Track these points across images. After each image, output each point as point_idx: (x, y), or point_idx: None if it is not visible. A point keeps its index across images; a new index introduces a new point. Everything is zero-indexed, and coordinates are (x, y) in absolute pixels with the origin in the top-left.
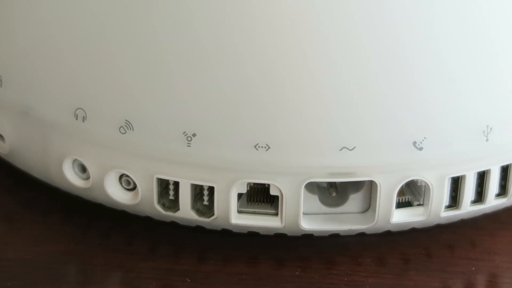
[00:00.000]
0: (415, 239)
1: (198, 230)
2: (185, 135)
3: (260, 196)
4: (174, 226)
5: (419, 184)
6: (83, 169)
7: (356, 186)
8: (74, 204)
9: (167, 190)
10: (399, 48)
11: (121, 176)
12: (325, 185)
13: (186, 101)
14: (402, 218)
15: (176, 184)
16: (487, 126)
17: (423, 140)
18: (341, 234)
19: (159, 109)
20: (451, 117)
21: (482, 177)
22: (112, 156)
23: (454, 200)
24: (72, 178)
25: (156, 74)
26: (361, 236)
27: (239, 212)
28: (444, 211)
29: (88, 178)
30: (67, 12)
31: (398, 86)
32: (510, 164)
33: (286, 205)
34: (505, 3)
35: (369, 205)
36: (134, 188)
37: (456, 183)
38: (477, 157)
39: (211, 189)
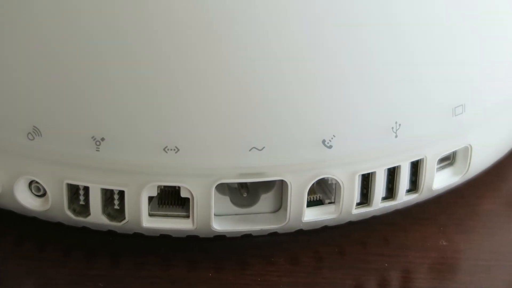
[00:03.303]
0: (328, 237)
1: (110, 234)
2: (93, 140)
3: (171, 198)
4: (86, 231)
5: (329, 182)
6: None
7: (267, 186)
8: None
9: (77, 195)
10: (305, 46)
11: (30, 183)
12: (236, 185)
13: (93, 106)
14: (313, 216)
15: (86, 189)
16: (396, 123)
17: (332, 138)
18: (254, 234)
19: (66, 114)
20: (359, 114)
21: (392, 174)
22: (21, 162)
23: (366, 197)
24: None
25: (62, 79)
26: (273, 235)
27: (150, 215)
28: (355, 208)
29: None
30: None
31: (304, 84)
32: (420, 159)
33: (197, 207)
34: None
35: (280, 204)
36: (44, 194)
37: (367, 180)
38: (386, 154)
39: (121, 193)
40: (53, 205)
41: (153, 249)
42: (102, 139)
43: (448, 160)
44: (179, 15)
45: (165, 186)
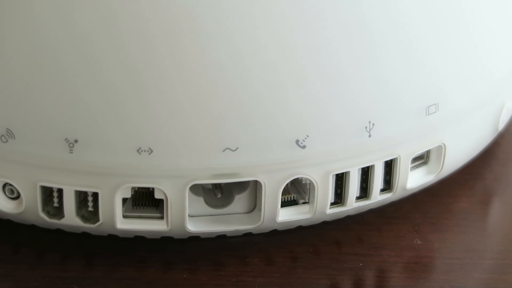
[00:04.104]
0: (302, 237)
1: (85, 236)
2: (67, 142)
3: (145, 200)
4: (60, 233)
5: (303, 182)
6: None
7: (241, 186)
8: None
9: (51, 198)
10: (277, 47)
11: (4, 185)
12: (210, 186)
13: (66, 108)
14: (288, 216)
15: (60, 191)
16: (369, 122)
17: (305, 138)
18: (228, 235)
19: (39, 116)
20: (333, 114)
21: (366, 173)
22: None
23: (340, 197)
24: None
25: (35, 82)
26: (248, 236)
27: (125, 217)
28: (329, 208)
29: None
30: None
31: (277, 85)
32: (394, 159)
33: (171, 208)
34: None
35: (255, 205)
36: (18, 197)
37: (341, 180)
38: (360, 153)
39: (95, 195)
40: (27, 207)
41: (127, 251)
42: (76, 141)
43: (422, 159)
44: (149, 16)
45: (139, 188)
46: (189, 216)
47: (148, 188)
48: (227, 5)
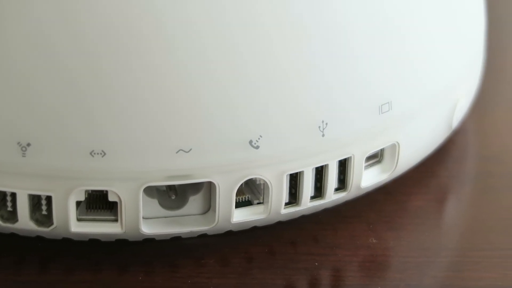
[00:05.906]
0: (258, 238)
1: (39, 240)
2: (19, 145)
3: (99, 202)
4: (15, 237)
5: (258, 182)
6: None
7: (195, 188)
8: None
9: (4, 202)
10: (226, 47)
11: None
12: (164, 188)
13: (18, 112)
14: (242, 217)
15: (14, 195)
16: (323, 122)
17: (259, 139)
18: (183, 236)
19: None
20: (286, 114)
21: (320, 173)
22: None
23: (294, 197)
24: None
25: None
26: (203, 237)
27: (79, 220)
28: (284, 208)
29: None
30: None
31: (229, 85)
32: (348, 158)
33: (125, 210)
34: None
35: (209, 206)
36: None
37: (295, 180)
38: (314, 153)
39: (49, 199)
40: None
41: (82, 254)
42: (28, 144)
43: (376, 158)
44: (102, 16)
45: (92, 191)
46: (143, 218)
47: (101, 191)
48: (162, 6)
